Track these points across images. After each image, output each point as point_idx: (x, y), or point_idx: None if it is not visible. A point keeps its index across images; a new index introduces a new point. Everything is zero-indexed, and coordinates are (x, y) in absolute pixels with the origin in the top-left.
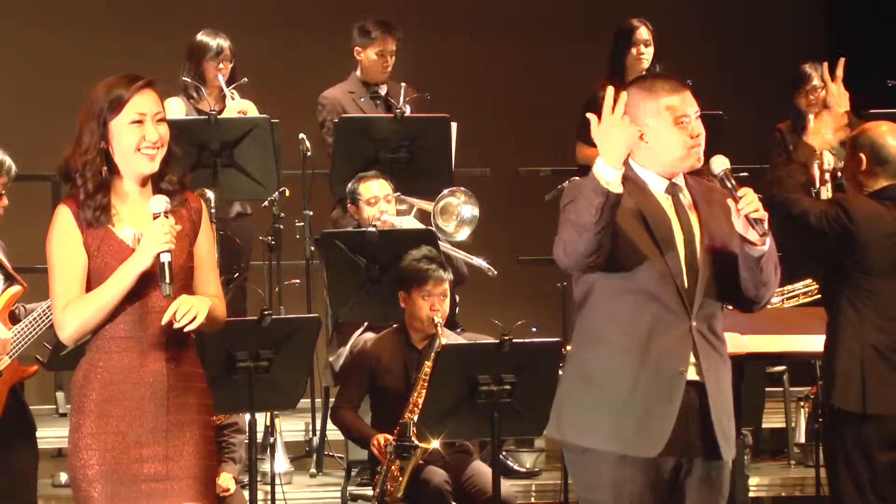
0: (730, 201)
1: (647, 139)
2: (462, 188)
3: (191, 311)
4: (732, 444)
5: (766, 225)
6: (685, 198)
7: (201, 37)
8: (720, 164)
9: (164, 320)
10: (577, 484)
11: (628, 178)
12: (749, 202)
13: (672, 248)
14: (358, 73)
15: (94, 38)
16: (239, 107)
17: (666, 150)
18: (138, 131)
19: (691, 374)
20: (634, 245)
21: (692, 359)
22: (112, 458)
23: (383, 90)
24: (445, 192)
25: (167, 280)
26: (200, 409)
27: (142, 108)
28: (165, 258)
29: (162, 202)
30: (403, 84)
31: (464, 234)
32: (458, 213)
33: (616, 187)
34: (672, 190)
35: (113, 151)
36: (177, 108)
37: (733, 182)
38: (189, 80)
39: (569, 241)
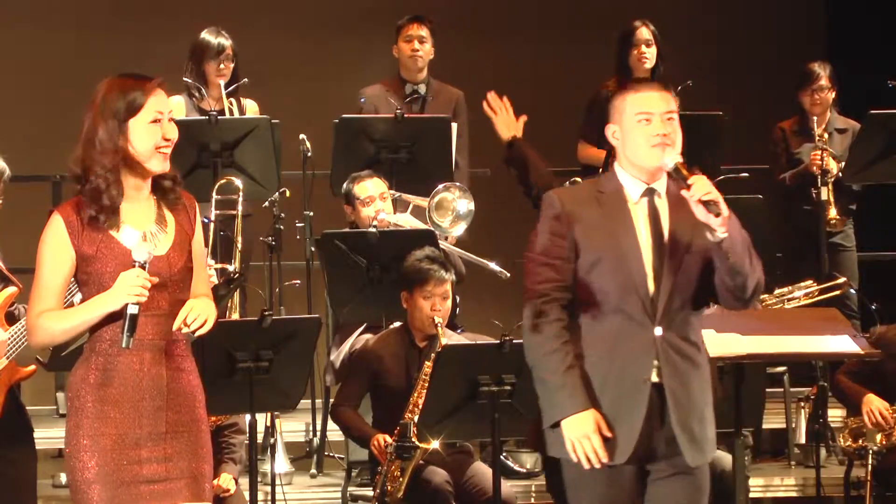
0: (683, 191)
1: (617, 137)
2: (456, 183)
3: (200, 316)
4: (705, 447)
5: (721, 207)
6: (662, 203)
7: (203, 36)
8: (672, 157)
9: (176, 325)
10: (560, 487)
11: (605, 189)
12: (700, 186)
13: (636, 258)
14: (399, 71)
15: (94, 38)
16: (252, 109)
17: (630, 148)
18: (158, 130)
19: (655, 379)
20: (599, 259)
21: (656, 363)
22: (111, 459)
23: (422, 89)
24: (440, 187)
25: (128, 332)
26: (198, 409)
27: (159, 107)
28: (132, 310)
29: (144, 252)
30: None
31: (459, 229)
32: (453, 208)
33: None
34: (649, 195)
35: (131, 151)
36: (178, 107)
37: (685, 173)
38: (191, 79)
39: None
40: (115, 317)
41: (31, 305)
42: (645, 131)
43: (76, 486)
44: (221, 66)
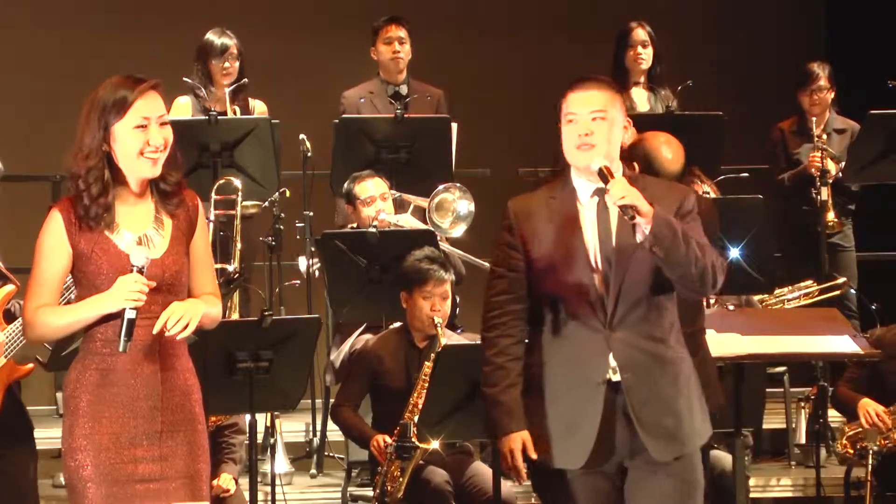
0: (606, 196)
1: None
2: (457, 184)
3: (182, 319)
4: (683, 439)
5: (640, 208)
6: (618, 168)
7: (208, 36)
8: (598, 161)
9: (156, 329)
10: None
11: (558, 194)
12: (615, 191)
13: (583, 261)
14: (380, 73)
15: (94, 38)
16: (260, 109)
17: (564, 148)
18: (142, 136)
19: (615, 378)
20: (549, 266)
21: (613, 363)
22: (106, 458)
23: (403, 90)
24: (440, 187)
25: (125, 336)
26: (194, 409)
27: (146, 112)
28: (130, 315)
29: (142, 256)
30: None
31: (459, 230)
32: (453, 209)
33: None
34: (599, 195)
35: (115, 154)
36: (185, 107)
37: (607, 176)
38: (196, 80)
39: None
40: (110, 317)
41: (28, 300)
42: (570, 131)
43: (72, 485)
44: (226, 65)
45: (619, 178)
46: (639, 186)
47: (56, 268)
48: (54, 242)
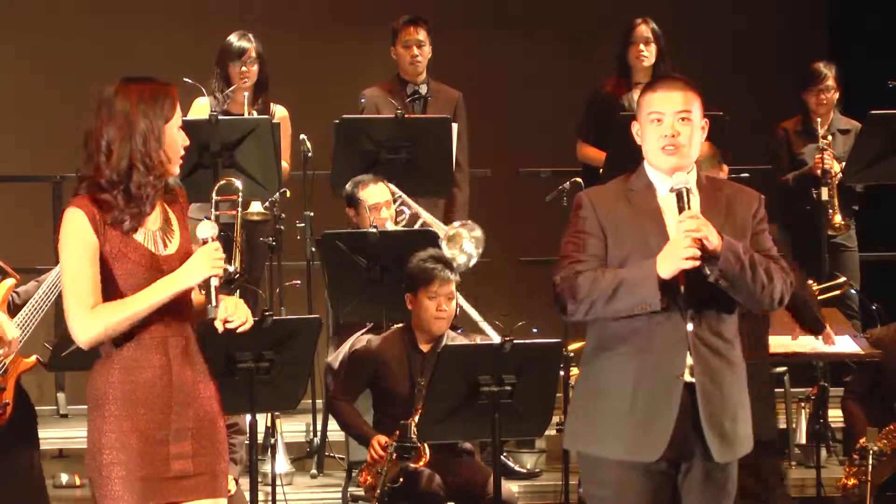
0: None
1: (639, 135)
2: (475, 224)
3: (241, 315)
4: (735, 445)
5: (710, 239)
6: (694, 198)
7: (228, 38)
8: (679, 180)
9: (221, 328)
10: (584, 482)
11: (635, 186)
12: (688, 225)
13: None
14: (399, 73)
15: (94, 38)
16: (280, 114)
17: (646, 147)
18: (182, 137)
19: (687, 377)
20: (627, 256)
21: (689, 361)
22: (137, 456)
23: (423, 90)
24: (457, 224)
25: (214, 303)
26: (217, 405)
27: (180, 114)
28: (214, 282)
29: (209, 227)
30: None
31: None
32: (461, 245)
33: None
34: (677, 191)
35: (164, 155)
36: (203, 108)
37: (685, 202)
38: (215, 82)
39: (587, 310)
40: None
41: (75, 306)
42: (656, 131)
43: (101, 483)
44: (243, 68)
45: (694, 211)
46: (718, 187)
47: (95, 263)
48: (86, 241)
